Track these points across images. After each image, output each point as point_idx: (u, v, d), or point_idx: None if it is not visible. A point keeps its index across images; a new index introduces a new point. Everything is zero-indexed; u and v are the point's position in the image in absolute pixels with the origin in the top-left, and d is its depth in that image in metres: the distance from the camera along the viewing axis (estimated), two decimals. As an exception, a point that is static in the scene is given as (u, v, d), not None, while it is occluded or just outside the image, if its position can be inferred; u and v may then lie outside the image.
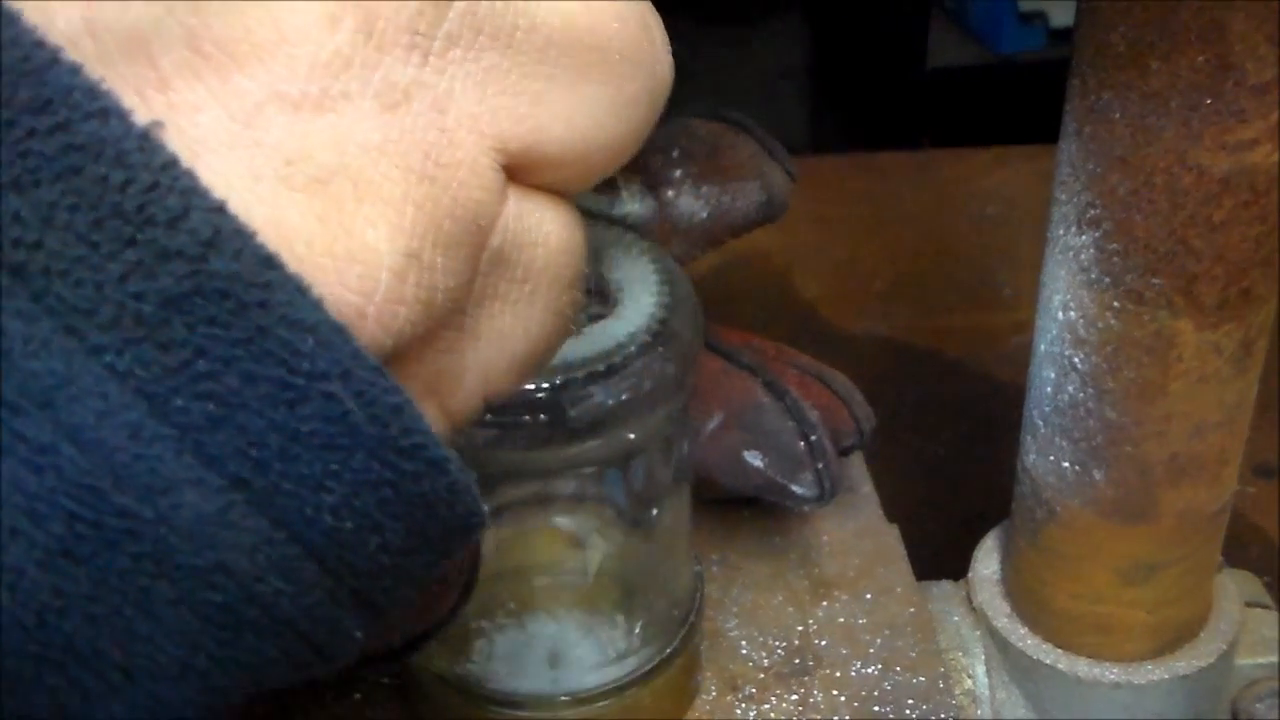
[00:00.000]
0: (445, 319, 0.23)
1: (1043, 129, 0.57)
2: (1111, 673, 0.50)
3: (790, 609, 0.51)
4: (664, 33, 0.25)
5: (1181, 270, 0.41)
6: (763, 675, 0.49)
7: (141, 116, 0.19)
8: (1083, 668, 0.50)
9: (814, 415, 0.47)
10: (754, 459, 0.47)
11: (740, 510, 0.54)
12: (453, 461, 0.22)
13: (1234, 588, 0.53)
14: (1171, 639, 0.50)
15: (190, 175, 0.19)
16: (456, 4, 0.22)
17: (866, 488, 0.56)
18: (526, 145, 0.23)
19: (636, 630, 0.46)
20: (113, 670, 0.20)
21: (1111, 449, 0.45)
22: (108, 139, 0.18)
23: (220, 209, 0.19)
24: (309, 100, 0.20)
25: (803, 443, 0.47)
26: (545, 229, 0.24)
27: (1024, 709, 0.52)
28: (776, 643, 0.50)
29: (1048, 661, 0.50)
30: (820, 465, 0.47)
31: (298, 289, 0.20)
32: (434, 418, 0.24)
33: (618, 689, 0.45)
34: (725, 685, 0.48)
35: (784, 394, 0.48)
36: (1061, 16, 1.78)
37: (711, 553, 0.53)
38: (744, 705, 0.48)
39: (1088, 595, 0.49)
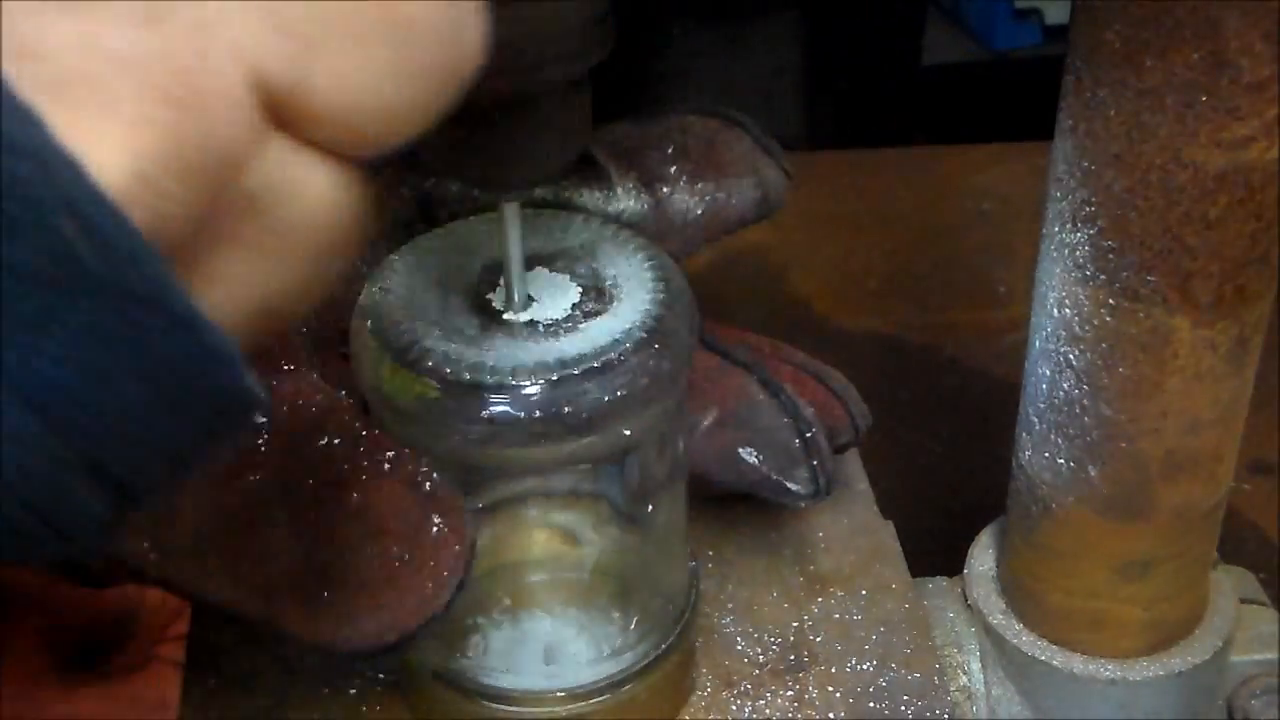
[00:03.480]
0: (171, 249, 0.21)
1: (1038, 126, 0.57)
2: (1107, 669, 0.50)
3: (785, 605, 0.51)
4: (478, 11, 0.24)
5: (1177, 267, 0.41)
6: (758, 671, 0.49)
7: None
8: (1078, 664, 0.50)
9: (809, 412, 0.47)
10: (749, 455, 0.47)
11: (735, 507, 0.54)
12: (204, 321, 0.21)
13: (1229, 584, 0.53)
14: (1167, 636, 0.50)
15: None
16: None
17: (862, 484, 0.56)
18: (289, 90, 0.22)
19: (632, 626, 0.46)
20: None
21: (1107, 446, 0.45)
22: None
23: None
24: None
25: (798, 439, 0.47)
26: (310, 185, 0.23)
27: (1019, 705, 0.52)
28: (772, 639, 0.50)
29: (1043, 658, 0.50)
30: (815, 462, 0.47)
31: (22, 112, 0.19)
32: None
33: (613, 685, 0.45)
34: (720, 681, 0.48)
35: (779, 391, 0.48)
36: (1057, 13, 1.78)
37: (707, 549, 0.53)
38: (739, 701, 0.48)
39: (1083, 592, 0.49)
